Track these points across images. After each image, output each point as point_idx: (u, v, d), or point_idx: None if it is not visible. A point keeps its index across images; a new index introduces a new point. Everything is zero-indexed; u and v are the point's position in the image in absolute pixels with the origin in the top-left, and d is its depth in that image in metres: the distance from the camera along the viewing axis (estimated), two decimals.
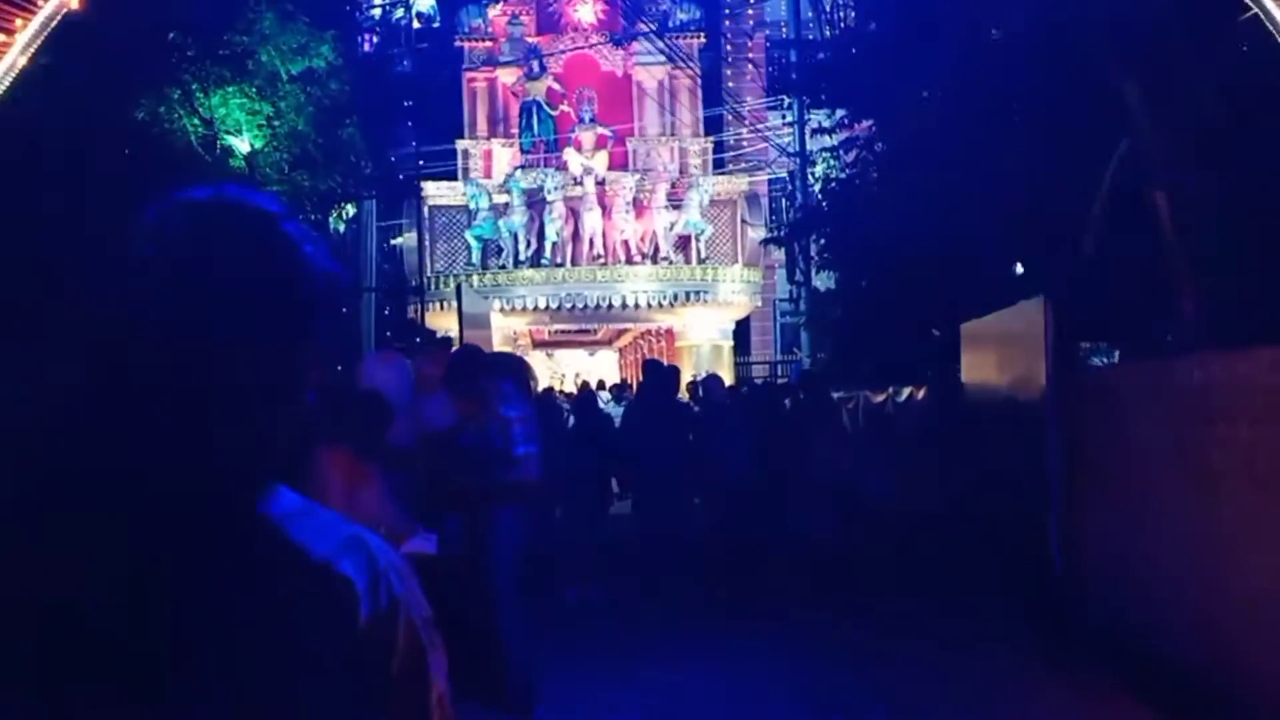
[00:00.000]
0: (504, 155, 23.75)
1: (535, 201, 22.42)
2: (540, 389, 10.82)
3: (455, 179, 23.56)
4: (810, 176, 19.32)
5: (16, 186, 9.06)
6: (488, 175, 23.46)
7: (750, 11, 26.50)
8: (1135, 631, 6.02)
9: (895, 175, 12.06)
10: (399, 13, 22.25)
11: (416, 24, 25.95)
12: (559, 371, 27.77)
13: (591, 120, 23.68)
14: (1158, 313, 7.66)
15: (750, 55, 25.59)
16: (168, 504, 0.91)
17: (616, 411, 11.61)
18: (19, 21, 8.65)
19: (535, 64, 23.47)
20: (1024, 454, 7.37)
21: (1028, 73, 8.64)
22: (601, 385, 18.54)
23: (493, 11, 24.05)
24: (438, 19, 27.69)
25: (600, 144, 23.55)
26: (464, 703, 1.08)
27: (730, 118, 25.48)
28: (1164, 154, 6.94)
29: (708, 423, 9.61)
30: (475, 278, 21.41)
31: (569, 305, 22.32)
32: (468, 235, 22.76)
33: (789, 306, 23.66)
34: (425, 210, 22.69)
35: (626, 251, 22.68)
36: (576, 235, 22.64)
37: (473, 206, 22.65)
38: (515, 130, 23.80)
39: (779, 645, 6.84)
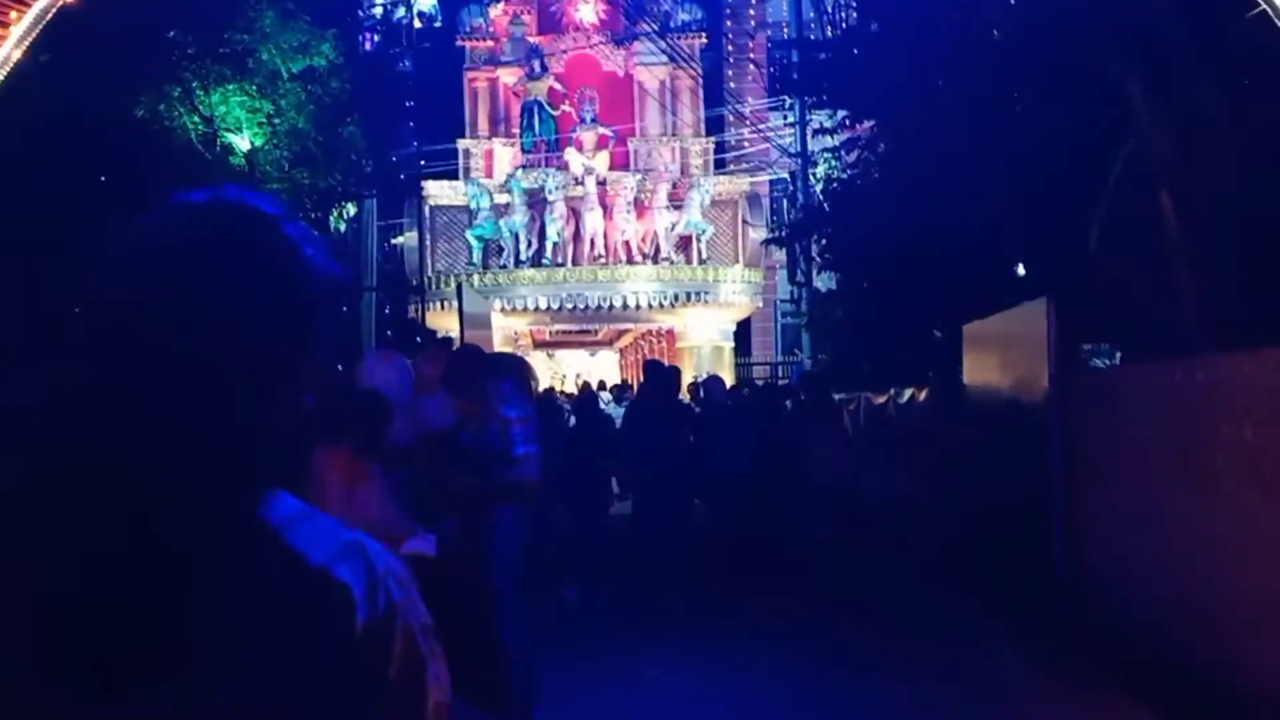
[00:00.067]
0: (505, 155, 23.74)
1: (536, 201, 22.41)
2: (541, 389, 10.80)
3: (456, 178, 23.56)
4: (811, 177, 19.30)
5: (15, 184, 9.03)
6: (489, 175, 23.45)
7: (752, 12, 26.51)
8: (1137, 633, 6.01)
9: (897, 176, 12.03)
10: (400, 11, 22.23)
11: (418, 23, 25.93)
12: (560, 372, 27.76)
13: (593, 120, 23.67)
14: (1161, 314, 7.62)
15: (752, 55, 25.59)
16: (165, 508, 0.90)
17: (617, 412, 11.59)
18: (14, 14, 8.62)
19: (537, 64, 23.46)
20: (1026, 455, 7.35)
21: (1030, 72, 8.62)
22: (602, 386, 18.51)
23: (494, 11, 24.05)
24: (439, 18, 27.69)
25: (601, 144, 23.54)
26: (463, 704, 1.07)
27: (732, 118, 25.48)
28: (1168, 153, 6.91)
29: (708, 423, 9.59)
30: (476, 277, 21.40)
31: (570, 305, 22.30)
32: (469, 235, 22.74)
33: (790, 307, 23.65)
34: (426, 210, 22.69)
35: (627, 252, 22.66)
36: (577, 235, 22.63)
37: (474, 206, 22.63)
38: (516, 130, 23.79)
39: (780, 646, 6.81)
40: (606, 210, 22.50)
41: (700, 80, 24.16)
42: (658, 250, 22.65)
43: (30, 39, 8.64)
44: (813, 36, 17.66)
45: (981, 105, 9.34)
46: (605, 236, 22.51)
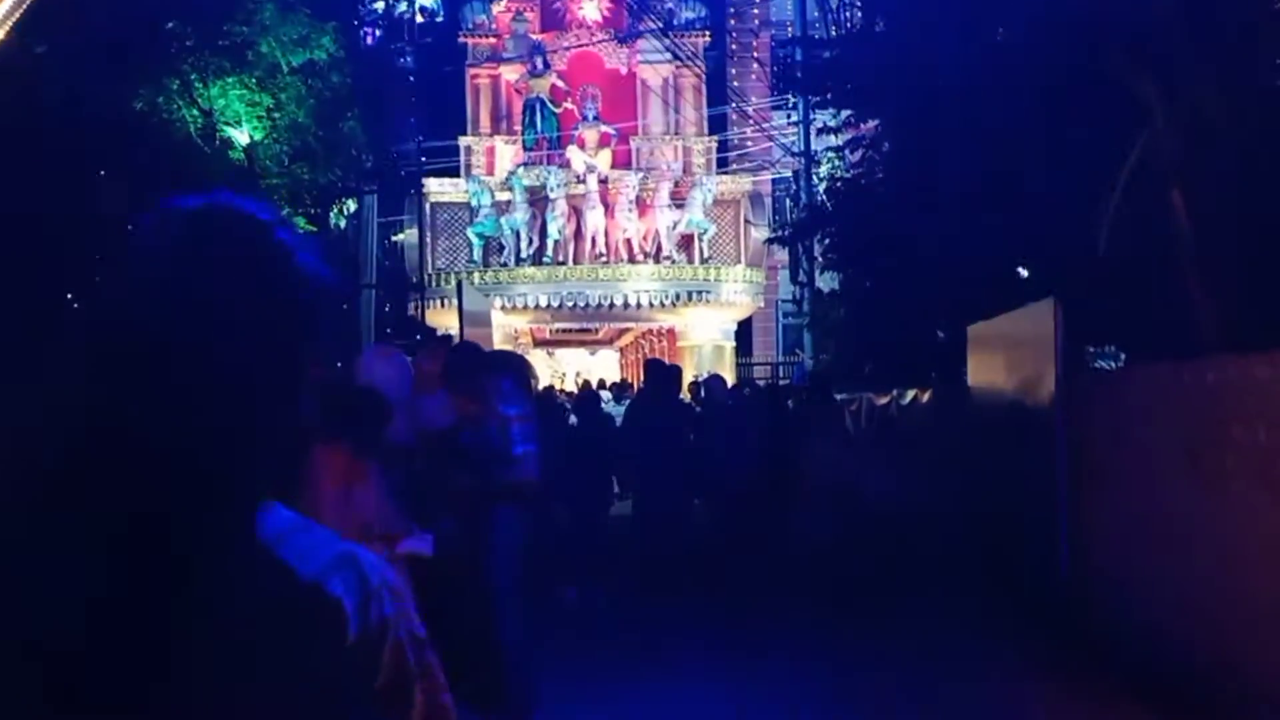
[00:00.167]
0: (507, 152, 23.68)
1: (537, 199, 22.35)
2: (541, 388, 10.75)
3: (457, 175, 23.49)
4: (814, 176, 19.24)
5: (12, 178, 8.96)
6: (490, 172, 23.38)
7: (756, 10, 26.46)
8: (1142, 634, 5.98)
9: (901, 175, 11.97)
10: (402, 6, 22.17)
11: (420, 18, 25.88)
12: (560, 370, 27.71)
13: (595, 118, 23.59)
14: (1169, 315, 7.56)
15: (755, 54, 25.52)
16: (157, 518, 0.89)
17: (617, 411, 11.53)
18: None
19: (539, 61, 23.39)
20: (1030, 456, 7.31)
21: (1039, 71, 8.55)
22: (602, 384, 18.47)
23: (496, 8, 23.99)
24: (441, 14, 27.63)
25: (603, 142, 23.47)
26: (462, 706, 1.06)
27: (735, 117, 25.42)
28: (1179, 153, 6.85)
29: (709, 423, 9.54)
30: (476, 275, 21.34)
31: (570, 304, 22.24)
32: (469, 232, 22.68)
33: (792, 307, 23.58)
34: (427, 206, 22.62)
35: (629, 250, 22.59)
36: (579, 233, 22.56)
37: (475, 203, 22.56)
38: (518, 127, 23.72)
39: (780, 646, 6.79)
40: (608, 208, 22.44)
41: (703, 79, 24.10)
42: (659, 249, 22.59)
43: (14, 20, 8.52)
44: (817, 35, 17.60)
45: (987, 105, 9.27)
46: (606, 235, 22.45)
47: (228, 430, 0.93)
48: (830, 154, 17.51)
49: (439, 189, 23.13)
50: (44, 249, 8.86)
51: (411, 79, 21.65)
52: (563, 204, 22.23)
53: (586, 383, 19.07)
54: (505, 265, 22.40)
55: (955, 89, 9.62)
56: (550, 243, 22.32)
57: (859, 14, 14.77)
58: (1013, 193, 9.35)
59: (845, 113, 14.04)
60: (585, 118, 23.58)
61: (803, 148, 20.08)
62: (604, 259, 22.42)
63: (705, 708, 5.90)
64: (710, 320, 23.04)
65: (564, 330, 25.71)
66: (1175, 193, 6.71)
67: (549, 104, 23.49)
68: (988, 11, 9.70)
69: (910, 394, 10.82)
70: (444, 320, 20.61)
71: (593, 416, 9.73)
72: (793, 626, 7.25)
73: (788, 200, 24.08)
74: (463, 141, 23.75)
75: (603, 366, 28.74)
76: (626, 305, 22.31)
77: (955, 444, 9.24)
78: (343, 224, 21.59)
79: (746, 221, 23.35)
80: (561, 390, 17.59)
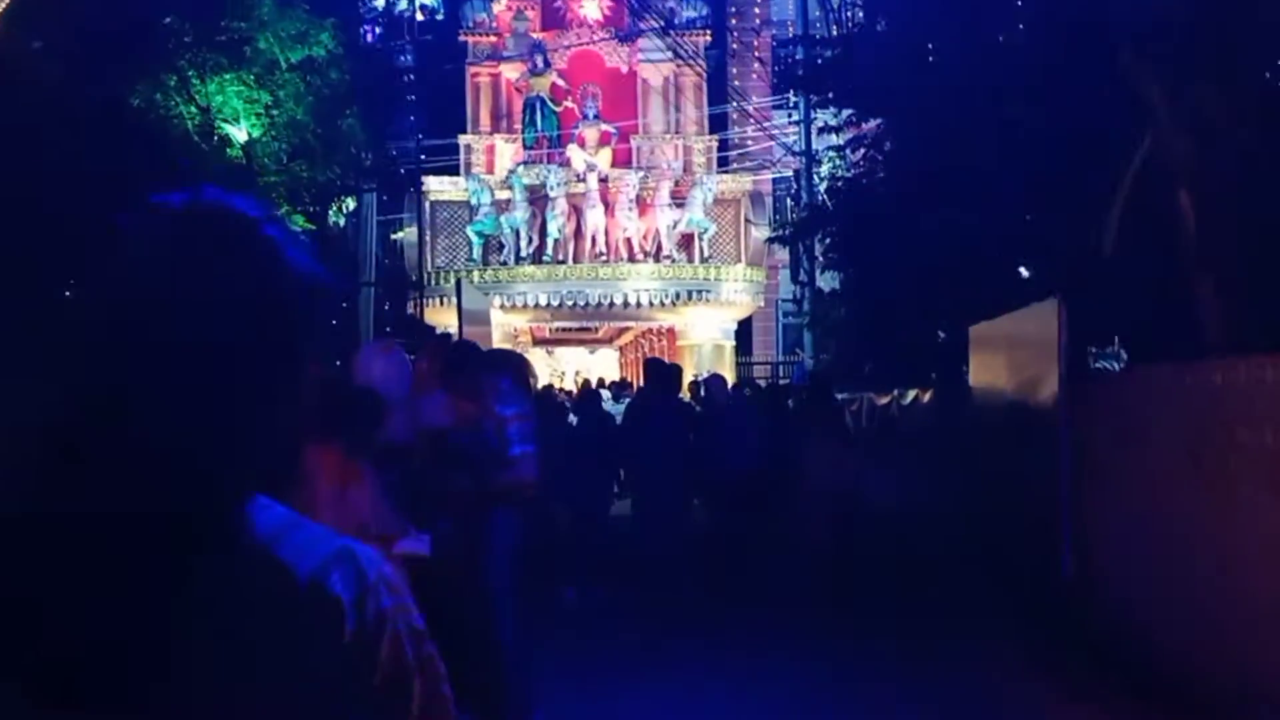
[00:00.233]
0: (507, 151, 23.62)
1: (537, 198, 22.29)
2: (540, 387, 10.71)
3: (457, 174, 23.43)
4: (815, 176, 19.19)
5: (9, 174, 8.91)
6: (490, 170, 23.32)
7: (757, 9, 26.42)
8: (1145, 637, 5.96)
9: (902, 175, 11.92)
10: (402, 3, 22.12)
11: (420, 16, 25.83)
12: (559, 369, 27.66)
13: (595, 117, 23.53)
14: (1173, 316, 7.53)
15: (756, 53, 25.47)
16: (149, 520, 0.89)
17: (617, 410, 11.49)
18: None
19: (539, 59, 23.33)
20: (1034, 457, 7.28)
21: (1041, 70, 8.51)
22: (602, 383, 18.42)
23: (497, 6, 23.94)
24: (441, 12, 27.59)
25: (604, 141, 23.41)
26: (461, 707, 1.03)
27: (735, 116, 25.37)
28: (1186, 153, 6.81)
29: (709, 423, 9.50)
30: (476, 273, 21.29)
31: (570, 303, 22.20)
32: (469, 231, 22.62)
33: (792, 307, 23.55)
34: (426, 205, 22.57)
35: (629, 249, 22.54)
36: (579, 232, 22.51)
37: (474, 202, 22.51)
38: (518, 126, 23.67)
39: (780, 646, 6.77)
40: (608, 207, 22.38)
41: (704, 77, 24.05)
42: (659, 248, 22.54)
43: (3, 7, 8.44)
44: (818, 34, 17.55)
45: (990, 104, 9.22)
46: (607, 234, 22.39)
47: (220, 428, 0.93)
48: (831, 153, 17.45)
49: (439, 187, 23.08)
50: (38, 246, 8.81)
51: (411, 77, 21.59)
52: (563, 203, 22.17)
53: (586, 382, 19.03)
54: (505, 264, 22.35)
55: (957, 88, 9.58)
56: (550, 241, 22.27)
57: (860, 13, 14.71)
58: (1015, 192, 9.31)
59: (846, 112, 13.99)
60: (585, 116, 23.52)
61: (804, 147, 20.03)
62: (604, 258, 22.37)
63: (705, 708, 5.87)
64: (710, 319, 22.99)
65: (563, 329, 25.65)
66: (1182, 193, 6.66)
67: (549, 102, 23.44)
68: (990, 11, 9.66)
69: (911, 394, 10.78)
70: (443, 319, 20.54)
71: (592, 416, 9.70)
72: (793, 626, 7.22)
73: (788, 199, 24.04)
74: (463, 140, 23.69)
75: (602, 365, 28.69)
76: (626, 304, 22.26)
77: (957, 444, 9.20)
78: (342, 222, 21.55)
79: (747, 221, 23.29)
80: (560, 389, 17.54)
